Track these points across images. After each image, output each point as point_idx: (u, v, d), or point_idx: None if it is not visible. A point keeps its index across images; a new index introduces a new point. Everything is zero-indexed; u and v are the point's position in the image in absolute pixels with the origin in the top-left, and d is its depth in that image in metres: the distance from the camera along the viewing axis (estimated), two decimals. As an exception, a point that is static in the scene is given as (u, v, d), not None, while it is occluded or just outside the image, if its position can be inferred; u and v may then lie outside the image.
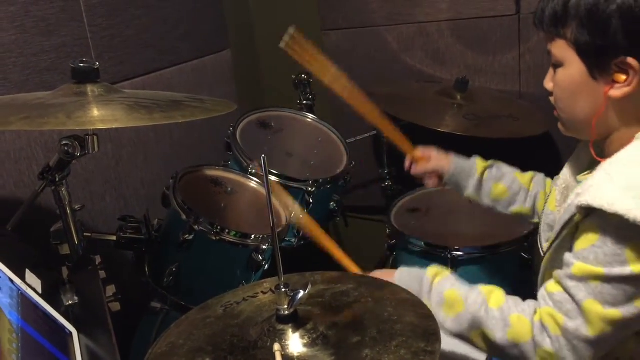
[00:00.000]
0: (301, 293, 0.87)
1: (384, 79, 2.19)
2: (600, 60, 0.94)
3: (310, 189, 1.65)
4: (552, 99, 1.06)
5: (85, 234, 1.29)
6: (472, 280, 1.63)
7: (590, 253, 0.88)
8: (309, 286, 0.88)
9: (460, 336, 1.04)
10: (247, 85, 2.42)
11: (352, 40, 2.21)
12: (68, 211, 1.22)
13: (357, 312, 0.93)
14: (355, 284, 1.01)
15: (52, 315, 0.97)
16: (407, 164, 1.49)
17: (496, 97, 2.01)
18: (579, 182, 1.08)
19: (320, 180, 1.69)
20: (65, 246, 1.25)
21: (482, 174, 1.38)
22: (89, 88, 1.13)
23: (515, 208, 1.36)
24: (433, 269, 1.12)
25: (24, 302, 0.92)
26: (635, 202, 0.84)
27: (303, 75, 1.97)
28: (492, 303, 1.01)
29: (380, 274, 1.18)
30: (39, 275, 1.05)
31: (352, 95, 1.41)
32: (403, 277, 1.14)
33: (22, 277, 0.98)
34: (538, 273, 1.08)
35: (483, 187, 1.38)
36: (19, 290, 0.94)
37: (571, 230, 0.94)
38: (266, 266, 1.48)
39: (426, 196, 1.92)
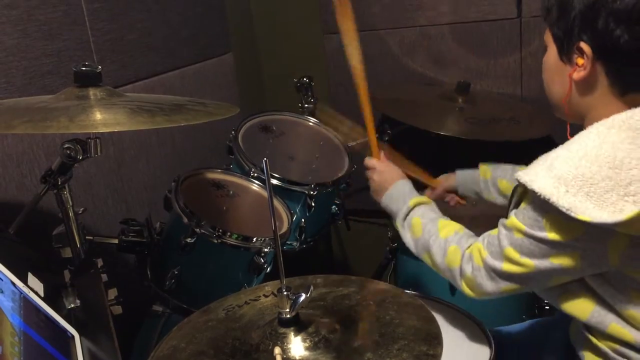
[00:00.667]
0: (303, 296, 0.87)
1: (386, 83, 2.20)
2: (565, 44, 1.01)
3: (312, 192, 1.65)
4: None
5: (87, 237, 1.29)
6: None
7: (520, 213, 1.01)
8: (311, 289, 0.88)
9: (418, 255, 1.26)
10: (249, 88, 2.42)
11: (354, 44, 2.21)
12: (70, 214, 1.22)
13: (359, 315, 0.93)
14: (357, 287, 1.02)
15: (54, 319, 0.97)
16: (428, 194, 1.62)
17: (498, 100, 2.01)
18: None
19: (322, 184, 1.69)
20: (68, 249, 1.25)
21: (485, 175, 1.50)
22: (91, 92, 1.13)
23: None
24: (418, 199, 1.32)
25: (26, 305, 0.92)
26: (552, 182, 0.92)
27: (305, 79, 1.98)
28: (441, 234, 1.20)
29: (386, 173, 1.41)
30: (41, 279, 1.04)
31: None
32: (395, 191, 1.35)
33: (25, 281, 0.98)
34: None
35: (491, 187, 1.50)
36: (21, 293, 0.94)
37: (517, 198, 1.06)
38: (268, 269, 1.47)
39: (428, 199, 1.91)
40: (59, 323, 0.98)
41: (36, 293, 0.98)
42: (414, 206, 1.29)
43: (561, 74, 1.04)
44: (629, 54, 0.94)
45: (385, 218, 1.91)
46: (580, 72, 1.00)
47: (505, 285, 1.06)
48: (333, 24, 2.22)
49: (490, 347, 1.26)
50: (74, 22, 1.58)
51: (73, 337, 0.98)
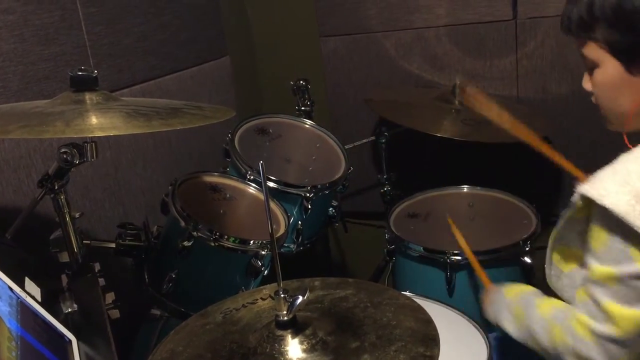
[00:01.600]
0: (300, 299, 0.87)
1: (382, 85, 2.20)
2: (634, 56, 0.95)
3: (308, 194, 1.66)
4: (593, 98, 1.08)
5: (84, 241, 1.29)
6: (472, 285, 1.64)
7: (602, 255, 0.90)
8: (308, 292, 0.88)
9: (523, 342, 1.11)
10: (245, 91, 2.42)
11: (350, 46, 2.22)
12: (67, 219, 1.22)
13: (356, 317, 0.93)
14: (354, 289, 1.02)
15: (51, 323, 0.97)
16: None
17: (494, 102, 2.01)
18: None
19: (319, 186, 1.69)
20: (65, 254, 1.25)
21: None
22: (88, 96, 1.13)
23: None
24: (511, 288, 1.20)
25: (24, 310, 0.92)
26: (626, 198, 0.85)
27: (301, 82, 1.98)
28: (541, 313, 1.06)
29: (490, 291, 1.27)
30: (38, 283, 1.04)
31: (529, 136, 1.39)
32: (494, 296, 1.23)
33: (22, 285, 0.98)
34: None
35: None
36: (19, 298, 0.94)
37: (573, 214, 0.97)
38: (265, 272, 1.47)
39: (425, 201, 1.92)
40: (56, 328, 0.98)
41: (33, 298, 0.98)
42: (511, 295, 1.18)
43: (631, 87, 0.98)
44: None
45: (382, 220, 1.93)
46: None
47: (621, 355, 0.92)
48: (329, 26, 2.24)
49: (487, 347, 1.26)
50: (71, 26, 1.58)
51: (70, 341, 0.98)
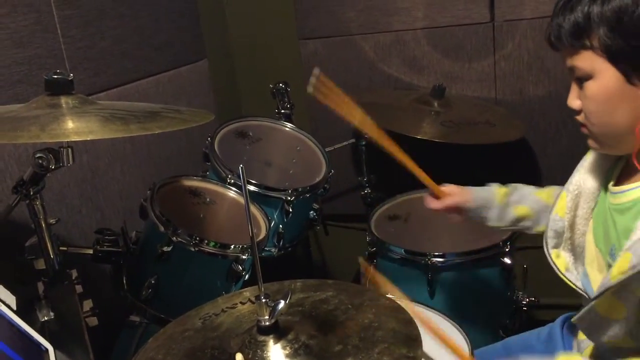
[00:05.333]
0: (282, 303, 0.86)
1: (361, 87, 2.20)
2: (638, 64, 0.91)
3: (289, 198, 1.65)
4: (579, 117, 1.02)
5: (60, 248, 1.27)
6: (453, 287, 1.65)
7: None
8: (290, 295, 0.87)
9: None
10: (224, 95, 2.41)
11: (329, 48, 2.22)
12: (43, 225, 1.20)
13: (338, 319, 0.92)
14: (334, 291, 1.01)
15: (27, 332, 0.95)
16: (427, 202, 1.44)
17: (472, 103, 2.03)
18: (613, 193, 1.05)
19: (300, 189, 1.69)
20: (41, 261, 1.23)
21: (502, 201, 1.34)
22: (63, 100, 1.12)
23: (541, 227, 1.29)
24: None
25: (-2, 319, 0.90)
26: None
27: (280, 84, 1.98)
28: None
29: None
30: (13, 291, 1.02)
31: (379, 135, 1.38)
32: None
33: (-4, 294, 0.96)
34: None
35: (506, 214, 1.34)
36: (-7, 307, 0.92)
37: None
38: (246, 276, 1.47)
39: (406, 203, 1.93)
40: (32, 336, 0.96)
41: (8, 306, 0.96)
42: None
43: (631, 99, 0.93)
44: None
45: (363, 222, 1.93)
46: None
47: None
48: (308, 29, 2.24)
49: (469, 348, 1.26)
50: (45, 29, 1.55)
51: (47, 350, 0.96)
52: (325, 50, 2.22)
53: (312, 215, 1.83)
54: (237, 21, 2.44)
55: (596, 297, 0.95)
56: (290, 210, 1.66)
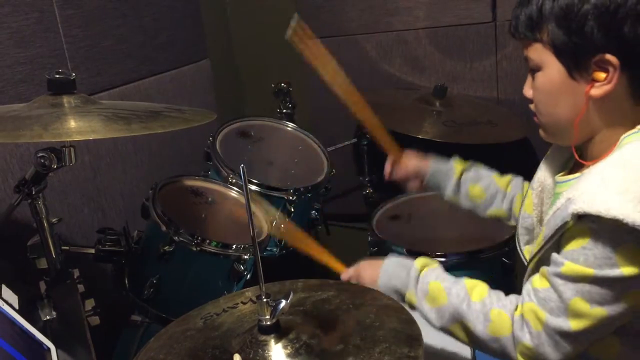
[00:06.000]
0: (283, 302, 0.86)
1: (363, 87, 2.18)
2: (578, 60, 0.93)
3: (291, 197, 1.65)
4: (532, 106, 1.05)
5: (63, 247, 1.27)
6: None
7: (581, 254, 0.88)
8: (291, 295, 0.87)
9: (443, 329, 1.05)
10: (226, 94, 2.41)
11: (331, 48, 2.19)
12: (45, 224, 1.20)
13: (339, 319, 0.92)
14: (336, 291, 1.01)
15: (29, 331, 0.95)
16: (387, 168, 1.49)
17: (474, 103, 2.03)
18: (557, 183, 1.08)
19: (301, 189, 1.69)
20: (43, 260, 1.23)
21: (460, 175, 1.39)
22: (65, 99, 1.12)
23: (492, 210, 1.36)
24: (422, 260, 1.13)
25: (1, 318, 0.91)
26: (632, 204, 0.83)
27: (282, 84, 1.97)
28: (474, 297, 1.02)
29: (368, 265, 1.22)
30: (15, 291, 1.03)
31: (348, 93, 1.41)
32: (390, 266, 1.15)
33: (-2, 293, 0.97)
34: (519, 276, 1.08)
35: (461, 189, 1.39)
36: (-5, 306, 0.92)
37: (562, 233, 0.94)
38: (248, 276, 1.47)
39: (407, 203, 1.92)
40: (34, 336, 0.96)
41: (10, 305, 0.96)
42: (422, 269, 1.10)
43: (572, 93, 0.96)
44: None
45: (364, 222, 1.93)
46: (603, 86, 0.92)
47: (571, 348, 0.92)
48: (311, 28, 2.24)
49: (471, 347, 1.26)
50: (47, 29, 1.55)
51: (49, 349, 0.96)
52: (327, 50, 2.22)
53: (313, 215, 1.83)
54: (239, 21, 2.44)
55: (524, 272, 1.02)
56: (292, 209, 1.66)
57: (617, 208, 0.83)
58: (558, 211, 0.93)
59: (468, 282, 1.05)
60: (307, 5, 2.19)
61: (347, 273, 1.25)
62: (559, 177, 1.08)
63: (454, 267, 1.62)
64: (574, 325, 0.90)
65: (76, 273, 1.26)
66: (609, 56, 0.90)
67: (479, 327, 0.99)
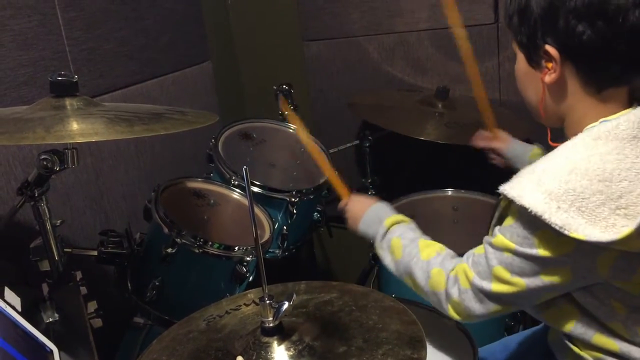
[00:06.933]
0: (286, 304, 0.86)
1: (365, 89, 2.20)
2: (531, 50, 1.00)
3: (293, 199, 1.65)
4: None
5: (65, 249, 1.27)
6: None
7: (507, 231, 0.97)
8: (294, 297, 0.87)
9: (400, 278, 1.20)
10: (228, 96, 2.41)
11: (333, 50, 2.22)
12: (48, 227, 1.20)
13: (342, 321, 0.92)
14: (338, 292, 1.01)
15: (32, 333, 0.95)
16: (476, 137, 1.64)
17: (477, 105, 2.02)
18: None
19: (304, 191, 1.69)
20: (45, 262, 1.23)
21: (531, 161, 1.42)
22: (68, 102, 1.12)
23: None
24: (394, 218, 1.25)
25: (3, 321, 0.90)
26: (542, 197, 0.89)
27: (284, 86, 1.97)
28: (423, 255, 1.15)
29: (358, 202, 1.36)
30: (18, 293, 1.03)
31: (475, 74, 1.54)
32: (370, 214, 1.29)
33: (1, 295, 0.96)
34: None
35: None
36: (-2, 308, 0.92)
37: (500, 213, 1.02)
38: (250, 278, 1.47)
39: (409, 205, 1.92)
40: (37, 338, 0.96)
41: (13, 308, 0.96)
42: (391, 225, 1.23)
43: (533, 79, 1.03)
44: (595, 49, 0.92)
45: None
46: (552, 74, 0.98)
47: (494, 307, 1.02)
48: (312, 31, 2.24)
49: (474, 349, 1.26)
50: (50, 31, 1.56)
51: (52, 351, 0.96)
52: (329, 52, 2.22)
53: (316, 217, 1.83)
54: (241, 23, 2.45)
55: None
56: (295, 211, 1.66)
57: (527, 197, 0.90)
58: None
59: (422, 242, 1.18)
60: (309, 7, 2.19)
61: (342, 203, 1.41)
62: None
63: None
64: (494, 287, 0.99)
65: (79, 275, 1.25)
66: (548, 47, 0.96)
67: (422, 282, 1.12)
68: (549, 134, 1.07)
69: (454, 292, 1.06)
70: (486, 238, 1.03)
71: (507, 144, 1.57)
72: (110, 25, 1.76)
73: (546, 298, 1.00)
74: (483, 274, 1.01)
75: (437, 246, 1.17)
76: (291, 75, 2.14)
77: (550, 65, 0.98)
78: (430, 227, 1.84)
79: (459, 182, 1.95)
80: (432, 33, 2.06)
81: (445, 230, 1.85)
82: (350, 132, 2.23)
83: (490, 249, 1.00)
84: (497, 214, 1.03)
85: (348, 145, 2.10)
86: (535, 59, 1.01)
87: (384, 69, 2.16)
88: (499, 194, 0.97)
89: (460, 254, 1.60)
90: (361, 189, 2.18)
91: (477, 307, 1.03)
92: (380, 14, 2.10)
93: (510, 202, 0.94)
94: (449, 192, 1.93)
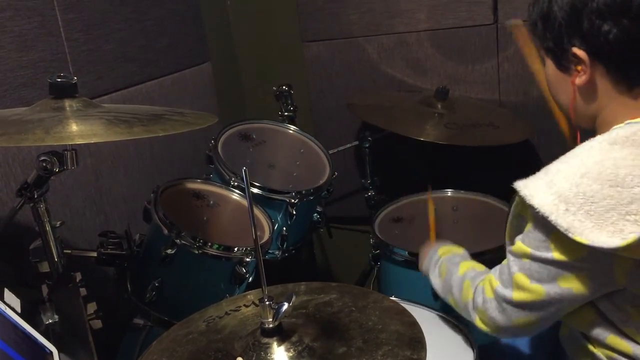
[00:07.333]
0: (285, 305, 0.86)
1: (365, 89, 2.20)
2: (558, 54, 1.01)
3: (293, 200, 1.65)
4: None
5: (65, 250, 1.27)
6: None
7: (525, 236, 0.98)
8: (294, 298, 0.87)
9: (445, 299, 1.24)
10: (228, 97, 2.41)
11: (333, 51, 2.22)
12: (47, 228, 1.20)
13: (341, 322, 0.92)
14: (338, 293, 1.01)
15: (31, 335, 0.95)
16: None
17: (476, 105, 2.03)
18: None
19: (303, 192, 1.69)
20: (45, 264, 1.23)
21: None
22: (67, 103, 1.12)
23: None
24: (448, 247, 1.34)
25: (3, 322, 0.90)
26: (551, 198, 0.90)
27: (284, 87, 1.98)
28: (460, 272, 1.20)
29: (428, 244, 1.43)
30: (17, 294, 1.03)
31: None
32: (431, 252, 1.36)
33: (1, 297, 0.96)
34: None
35: None
36: (-3, 309, 0.92)
37: (516, 210, 1.03)
38: (250, 279, 1.46)
39: (409, 205, 1.92)
40: (36, 339, 0.96)
41: (13, 309, 0.96)
42: (443, 254, 1.31)
43: (564, 83, 1.03)
44: (622, 47, 0.92)
45: (367, 225, 1.93)
46: (582, 77, 0.98)
47: (516, 317, 1.02)
48: (311, 31, 2.24)
49: (474, 350, 1.26)
50: (49, 33, 1.56)
51: (51, 353, 0.96)
52: (329, 53, 2.22)
53: (315, 218, 1.83)
54: (241, 24, 2.45)
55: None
56: (294, 212, 1.66)
57: (538, 197, 0.91)
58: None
59: (463, 262, 1.23)
60: (308, 8, 2.19)
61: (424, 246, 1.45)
62: None
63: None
64: (515, 296, 1.00)
65: (78, 276, 1.25)
66: (576, 50, 0.96)
67: (457, 295, 1.17)
68: (578, 136, 1.07)
69: (479, 301, 1.08)
70: (508, 248, 1.05)
71: None
72: (109, 27, 1.76)
73: (567, 310, 1.00)
74: (506, 282, 1.03)
75: (476, 264, 1.22)
76: (291, 76, 2.14)
77: (579, 67, 0.98)
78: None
79: (458, 182, 1.95)
80: (432, 33, 2.06)
81: (445, 231, 1.85)
82: (350, 132, 2.23)
83: (511, 257, 1.02)
84: (512, 210, 1.04)
85: (348, 145, 2.10)
86: (564, 63, 1.00)
87: (383, 69, 2.16)
88: (514, 190, 0.97)
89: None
90: (360, 190, 2.19)
91: (500, 318, 1.04)
92: (380, 14, 2.10)
93: (524, 203, 0.95)
94: (449, 192, 1.94)
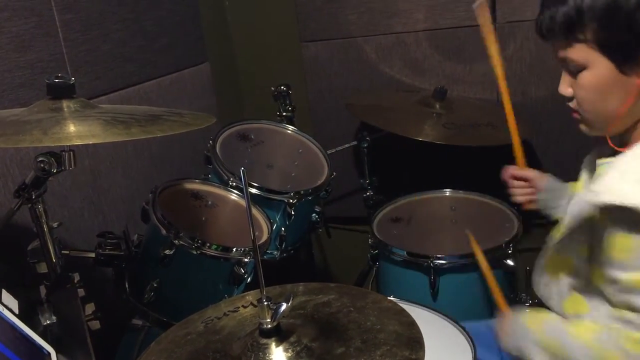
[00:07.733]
0: (284, 306, 0.86)
1: (363, 89, 2.20)
2: (627, 55, 0.94)
3: (291, 200, 1.65)
4: (572, 104, 1.06)
5: (63, 251, 1.27)
6: (456, 288, 1.64)
7: (629, 260, 0.91)
8: (292, 298, 0.87)
9: None
10: (226, 97, 2.41)
11: (331, 51, 2.22)
12: (45, 229, 1.20)
13: (340, 322, 0.92)
14: (336, 294, 1.01)
15: (29, 336, 0.95)
16: (507, 170, 1.49)
17: (474, 105, 2.03)
18: (598, 165, 1.09)
19: (302, 192, 1.69)
20: (43, 264, 1.22)
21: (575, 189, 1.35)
22: (65, 104, 1.12)
23: None
24: (530, 317, 1.18)
25: (0, 323, 0.90)
26: None
27: (282, 87, 1.98)
28: (584, 342, 1.04)
29: (504, 323, 1.24)
30: (15, 295, 1.02)
31: (505, 90, 1.43)
32: (512, 326, 1.20)
33: (-2, 297, 0.96)
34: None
35: None
36: (-5, 310, 0.92)
37: (586, 223, 0.97)
38: (249, 279, 1.46)
39: (408, 205, 1.92)
40: (34, 340, 0.96)
41: (10, 310, 0.96)
42: (533, 324, 1.16)
43: (622, 87, 0.97)
44: None
45: (365, 225, 1.93)
46: None
47: None
48: (310, 32, 2.24)
49: (472, 349, 1.26)
50: (47, 33, 1.55)
51: (49, 354, 0.96)
52: (327, 53, 2.22)
53: (314, 218, 1.83)
54: (239, 24, 2.45)
55: (542, 256, 1.08)
56: (293, 212, 1.65)
57: (633, 196, 0.86)
58: (579, 200, 0.97)
59: (569, 328, 1.08)
60: (306, 8, 2.19)
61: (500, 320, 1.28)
62: (600, 160, 1.09)
63: (454, 270, 1.62)
64: None
65: (76, 277, 1.25)
66: None
67: None
68: (609, 141, 1.05)
69: (629, 329, 0.98)
70: (612, 295, 0.98)
71: (542, 182, 1.42)
72: (107, 27, 1.76)
73: None
74: None
75: (586, 325, 1.09)
76: (289, 76, 2.14)
77: None
78: (429, 228, 1.86)
79: (456, 182, 1.95)
80: (430, 34, 2.06)
81: (443, 231, 1.85)
82: (349, 132, 2.23)
83: (627, 297, 0.95)
84: (573, 225, 0.98)
85: (346, 145, 2.10)
86: (631, 64, 0.95)
87: (381, 69, 2.16)
88: (584, 209, 0.94)
89: (464, 256, 1.61)
90: (359, 190, 2.19)
91: None
92: (378, 14, 2.10)
93: (611, 224, 0.90)
94: (447, 192, 1.94)
